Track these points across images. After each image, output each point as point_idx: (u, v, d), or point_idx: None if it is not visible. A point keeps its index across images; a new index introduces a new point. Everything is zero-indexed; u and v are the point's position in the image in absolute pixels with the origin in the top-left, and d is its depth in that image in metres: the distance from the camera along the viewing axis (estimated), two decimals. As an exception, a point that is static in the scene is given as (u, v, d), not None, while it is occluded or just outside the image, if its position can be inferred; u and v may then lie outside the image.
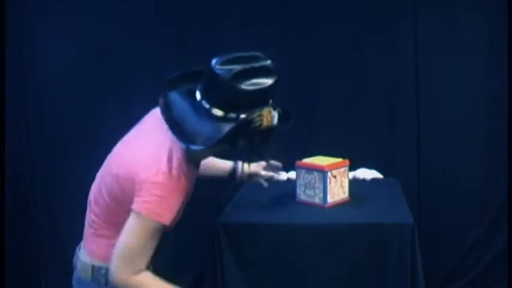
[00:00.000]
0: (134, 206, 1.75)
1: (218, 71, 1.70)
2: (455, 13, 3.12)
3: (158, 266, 2.90)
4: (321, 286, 2.10)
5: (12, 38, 3.24)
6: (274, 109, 1.76)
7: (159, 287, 1.86)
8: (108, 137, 3.19)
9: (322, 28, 3.18)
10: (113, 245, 1.82)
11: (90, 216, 1.94)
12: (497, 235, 3.19)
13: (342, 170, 2.35)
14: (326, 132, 3.20)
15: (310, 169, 2.32)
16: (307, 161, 2.38)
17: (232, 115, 1.71)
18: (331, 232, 2.08)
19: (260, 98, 1.72)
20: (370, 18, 3.17)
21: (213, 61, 1.72)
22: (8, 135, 3.12)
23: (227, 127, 1.70)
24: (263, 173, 2.32)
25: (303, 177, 2.34)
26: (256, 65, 1.74)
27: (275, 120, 1.76)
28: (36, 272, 3.47)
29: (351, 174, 2.51)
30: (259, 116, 1.71)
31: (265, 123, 1.73)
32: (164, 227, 1.78)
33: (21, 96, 3.33)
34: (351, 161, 2.40)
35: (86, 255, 1.93)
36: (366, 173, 2.73)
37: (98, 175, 1.97)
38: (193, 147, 1.71)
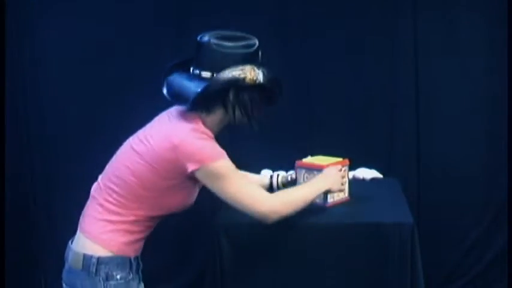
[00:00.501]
0: (193, 167, 1.85)
1: (203, 39, 1.91)
2: (455, 13, 3.12)
3: (158, 266, 2.90)
4: (321, 286, 2.10)
5: (12, 38, 3.24)
6: (259, 68, 1.90)
7: (297, 190, 2.09)
8: (108, 136, 3.20)
9: (322, 28, 3.18)
10: (115, 231, 1.90)
11: (97, 201, 1.97)
12: (497, 235, 3.20)
13: (342, 169, 2.35)
14: (326, 131, 3.21)
15: (310, 169, 2.32)
16: (307, 160, 2.37)
17: (219, 75, 1.88)
18: (331, 232, 2.08)
19: (242, 58, 1.89)
20: (370, 18, 3.17)
21: (198, 36, 1.93)
22: (8, 135, 3.12)
23: (214, 81, 1.88)
24: (294, 176, 2.38)
25: (303, 177, 2.34)
26: (237, 34, 1.94)
27: (259, 77, 1.90)
28: (36, 272, 3.47)
29: (350, 174, 2.50)
30: (242, 70, 1.87)
31: (248, 77, 1.87)
32: (227, 162, 1.90)
33: (21, 96, 3.33)
34: (350, 161, 2.40)
35: (79, 244, 1.96)
36: (366, 173, 2.73)
37: (109, 165, 2.03)
38: (188, 104, 1.89)
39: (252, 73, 1.88)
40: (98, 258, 1.89)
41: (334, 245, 2.09)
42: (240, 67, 1.87)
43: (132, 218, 1.92)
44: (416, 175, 3.22)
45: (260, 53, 1.96)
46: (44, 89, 3.34)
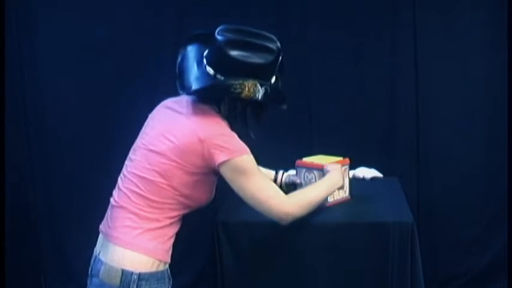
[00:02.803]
0: (219, 161, 1.83)
1: (217, 36, 1.82)
2: (455, 13, 3.12)
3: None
4: (321, 285, 2.10)
5: (12, 38, 3.24)
6: (262, 86, 1.83)
7: (312, 191, 2.06)
8: (109, 136, 3.21)
9: (322, 28, 3.18)
10: (157, 238, 1.86)
11: (130, 211, 1.88)
12: (497, 235, 3.20)
13: (342, 168, 2.35)
14: (326, 131, 3.21)
15: (310, 168, 2.32)
16: (307, 160, 2.37)
17: (220, 77, 1.83)
18: (331, 231, 2.08)
19: (247, 70, 1.82)
20: (370, 18, 3.17)
21: (219, 27, 1.85)
22: (8, 135, 3.12)
23: (211, 83, 1.84)
24: (298, 181, 2.36)
25: (303, 177, 2.34)
26: (257, 41, 1.83)
27: (258, 95, 1.83)
28: (36, 273, 3.47)
29: (351, 173, 2.50)
30: (240, 84, 1.81)
31: (245, 93, 1.82)
32: (251, 157, 1.89)
33: (21, 96, 3.34)
34: (350, 160, 2.40)
35: (114, 258, 1.84)
36: (366, 172, 2.72)
37: (129, 173, 1.93)
38: (181, 92, 1.89)
39: (251, 89, 1.81)
40: (139, 275, 1.81)
41: (334, 244, 2.09)
42: (241, 80, 1.80)
43: (167, 221, 1.88)
44: (416, 175, 3.22)
45: (277, 64, 1.87)
46: (44, 88, 3.34)
